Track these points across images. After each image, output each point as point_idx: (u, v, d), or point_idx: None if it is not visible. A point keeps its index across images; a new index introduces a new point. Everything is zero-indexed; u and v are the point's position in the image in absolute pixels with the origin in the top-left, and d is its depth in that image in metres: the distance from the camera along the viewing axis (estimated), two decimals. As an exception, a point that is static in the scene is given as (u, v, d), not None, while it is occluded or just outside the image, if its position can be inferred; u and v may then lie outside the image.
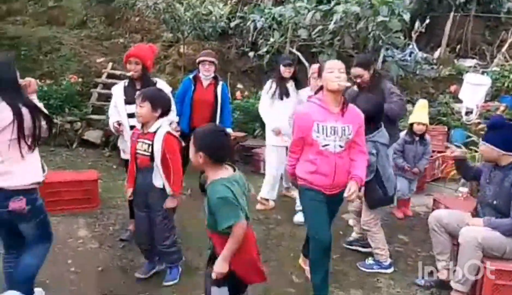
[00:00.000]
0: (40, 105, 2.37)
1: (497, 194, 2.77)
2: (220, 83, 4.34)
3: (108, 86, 6.27)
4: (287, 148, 3.70)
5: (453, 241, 2.96)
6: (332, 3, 6.79)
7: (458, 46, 8.54)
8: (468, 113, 6.36)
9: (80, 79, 6.85)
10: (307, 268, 2.91)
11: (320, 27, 6.98)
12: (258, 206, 4.30)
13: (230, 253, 1.91)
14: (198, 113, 4.24)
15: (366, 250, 3.36)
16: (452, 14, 8.33)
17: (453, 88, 7.08)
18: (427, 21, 7.97)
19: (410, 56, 7.84)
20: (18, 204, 2.19)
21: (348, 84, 2.58)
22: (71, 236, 3.48)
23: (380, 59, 7.21)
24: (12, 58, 2.44)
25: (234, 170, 2.03)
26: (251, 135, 6.35)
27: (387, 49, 7.43)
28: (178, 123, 3.92)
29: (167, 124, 2.78)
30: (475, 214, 2.96)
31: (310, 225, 2.68)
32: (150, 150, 2.66)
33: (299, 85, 4.35)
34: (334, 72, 2.48)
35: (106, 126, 5.52)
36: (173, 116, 3.33)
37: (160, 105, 2.65)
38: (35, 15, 8.72)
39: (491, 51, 8.42)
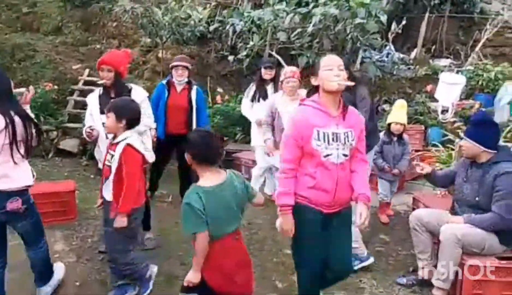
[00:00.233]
0: (32, 115, 2.53)
1: (477, 191, 2.81)
2: (194, 87, 4.32)
3: (84, 93, 6.13)
4: None
5: (433, 239, 3.00)
6: (311, 6, 6.83)
7: (433, 46, 8.71)
8: (444, 111, 6.49)
9: (55, 87, 6.68)
10: None
11: (299, 29, 7.01)
12: None
13: (195, 262, 2.00)
14: (173, 118, 4.19)
15: None
16: (427, 15, 8.49)
17: (429, 87, 7.21)
18: (403, 22, 8.11)
19: (387, 57, 7.95)
20: (15, 204, 2.41)
21: (350, 83, 2.22)
22: (48, 250, 3.38)
23: (358, 61, 7.29)
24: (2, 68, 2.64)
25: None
26: (232, 139, 6.31)
27: (365, 50, 7.52)
28: (156, 129, 3.88)
29: (134, 135, 2.57)
30: (453, 212, 3.01)
31: (299, 253, 2.36)
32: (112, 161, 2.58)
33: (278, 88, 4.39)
34: (333, 70, 2.16)
35: (82, 135, 5.40)
36: (150, 122, 3.27)
37: (125, 116, 2.52)
38: (8, 22, 8.48)
39: (465, 50, 8.60)
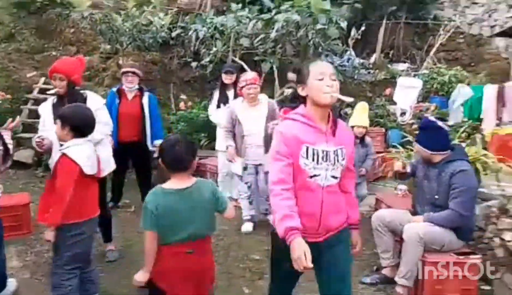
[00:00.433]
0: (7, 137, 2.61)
1: (436, 190, 2.91)
2: (146, 94, 4.27)
3: (39, 102, 5.81)
4: None
5: (395, 238, 3.08)
6: (273, 12, 6.91)
7: (391, 51, 9.04)
8: (403, 114, 6.73)
9: (8, 96, 6.38)
10: None
11: (262, 35, 7.06)
12: None
13: (145, 262, 2.03)
14: (125, 126, 4.12)
15: None
16: (384, 21, 8.81)
17: (388, 91, 7.45)
18: (362, 28, 8.37)
19: (348, 61, 8.16)
20: None
21: (348, 98, 1.97)
22: (0, 268, 3.18)
23: (321, 66, 7.42)
24: None
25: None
26: (197, 146, 6.25)
27: (326, 55, 7.68)
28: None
29: (79, 144, 2.40)
30: (412, 211, 3.11)
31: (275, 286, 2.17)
32: None
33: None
34: (324, 80, 1.86)
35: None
36: (106, 130, 3.14)
37: (68, 123, 2.39)
38: (-44, 29, 8.04)
39: (420, 55, 8.97)
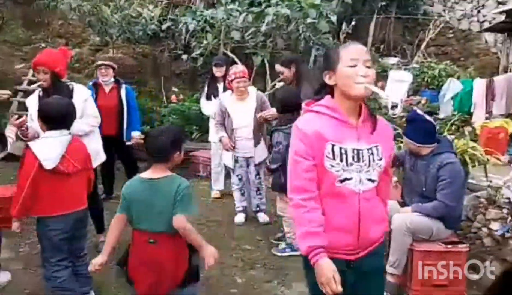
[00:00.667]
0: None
1: (424, 182, 2.96)
2: (123, 86, 4.29)
3: (29, 94, 5.80)
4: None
5: (385, 228, 3.12)
6: (263, 6, 6.89)
7: (382, 46, 9.11)
8: (394, 107, 6.79)
9: (-4, 88, 6.29)
10: None
11: (253, 29, 7.05)
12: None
13: (106, 241, 2.08)
14: (104, 119, 4.08)
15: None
16: (375, 16, 8.86)
17: (379, 84, 7.49)
18: (353, 23, 8.40)
19: (339, 55, 8.20)
20: None
21: (382, 92, 1.72)
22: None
23: (312, 59, 7.45)
24: None
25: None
26: (189, 138, 6.23)
27: (317, 49, 7.69)
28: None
29: (44, 138, 2.39)
30: (401, 202, 3.16)
31: None
32: None
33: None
34: (358, 67, 1.55)
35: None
36: (94, 122, 3.08)
37: (41, 116, 2.37)
38: None
39: (411, 49, 9.07)
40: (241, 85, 3.77)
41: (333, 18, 6.77)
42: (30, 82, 6.57)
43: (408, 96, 7.17)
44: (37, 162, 2.27)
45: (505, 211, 3.30)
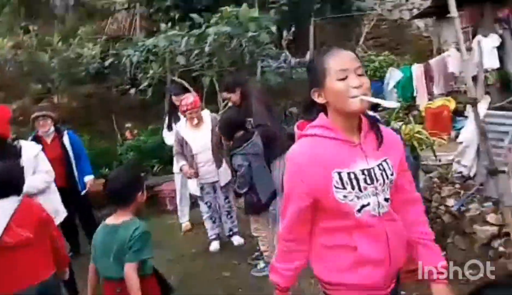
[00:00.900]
0: None
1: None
2: (65, 133, 4.16)
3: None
4: None
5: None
6: (203, 27, 6.95)
7: (323, 47, 9.42)
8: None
9: None
10: None
11: (197, 51, 7.07)
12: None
13: None
14: None
15: None
16: (312, 19, 9.16)
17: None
18: (293, 29, 8.65)
19: (285, 63, 8.40)
20: None
21: (380, 100, 1.53)
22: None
23: (258, 71, 7.58)
24: None
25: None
26: (150, 173, 6.13)
27: (262, 60, 7.84)
28: None
29: None
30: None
31: None
32: None
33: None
34: (349, 78, 1.34)
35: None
36: (48, 177, 2.95)
37: None
38: None
39: (351, 46, 9.43)
40: (193, 115, 3.81)
41: (273, 28, 6.94)
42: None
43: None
44: None
45: (457, 186, 3.50)
